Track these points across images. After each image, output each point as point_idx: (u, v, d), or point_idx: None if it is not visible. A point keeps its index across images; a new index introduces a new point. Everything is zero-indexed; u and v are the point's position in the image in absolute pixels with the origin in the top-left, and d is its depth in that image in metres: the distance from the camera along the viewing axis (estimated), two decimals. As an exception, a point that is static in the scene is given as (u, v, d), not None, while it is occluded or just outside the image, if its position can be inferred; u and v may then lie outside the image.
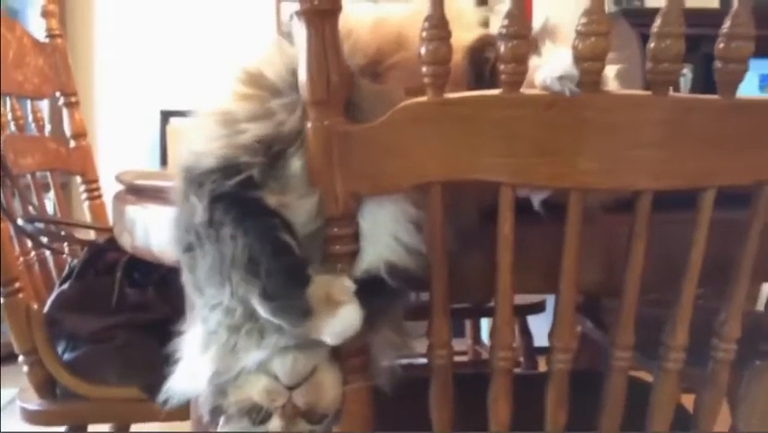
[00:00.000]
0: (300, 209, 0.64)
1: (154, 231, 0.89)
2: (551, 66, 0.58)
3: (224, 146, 0.64)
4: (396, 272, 0.63)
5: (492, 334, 0.65)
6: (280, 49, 0.68)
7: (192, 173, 0.65)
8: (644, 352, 0.70)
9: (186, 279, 0.68)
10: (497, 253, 0.62)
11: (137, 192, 1.02)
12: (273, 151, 0.64)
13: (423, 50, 0.59)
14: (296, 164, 0.64)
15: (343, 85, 0.62)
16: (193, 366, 0.67)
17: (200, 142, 0.66)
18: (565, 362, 0.64)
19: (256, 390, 0.63)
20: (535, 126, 0.59)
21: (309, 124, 0.62)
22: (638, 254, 0.61)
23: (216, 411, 0.66)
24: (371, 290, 0.63)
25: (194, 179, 0.65)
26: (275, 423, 0.63)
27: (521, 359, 1.92)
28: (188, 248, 0.65)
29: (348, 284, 0.62)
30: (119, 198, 1.04)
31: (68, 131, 1.56)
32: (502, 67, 0.58)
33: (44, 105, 1.58)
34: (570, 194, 0.60)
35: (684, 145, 0.60)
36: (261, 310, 0.62)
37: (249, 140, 0.64)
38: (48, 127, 1.57)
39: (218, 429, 0.67)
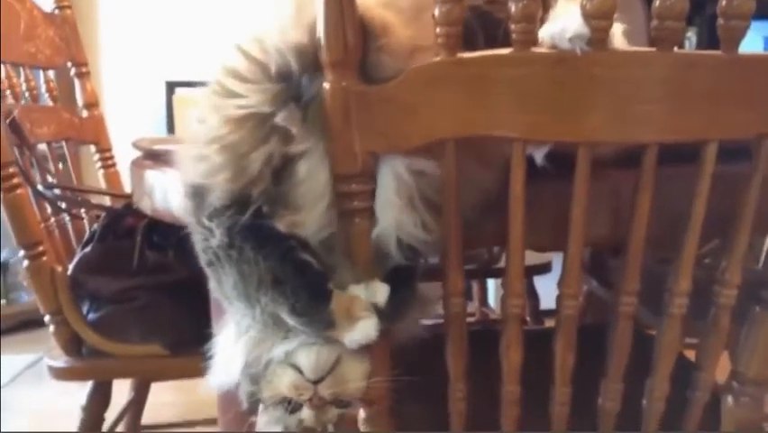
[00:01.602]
0: (311, 218, 0.67)
1: (173, 194, 0.92)
2: (558, 24, 0.60)
3: (231, 179, 0.65)
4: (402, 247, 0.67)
5: (504, 284, 0.68)
6: (253, 52, 0.67)
7: (203, 207, 0.67)
8: (651, 308, 0.74)
9: (213, 287, 0.72)
10: (508, 208, 0.65)
11: (154, 157, 1.05)
12: (277, 165, 0.66)
13: (436, 12, 0.61)
14: (302, 168, 0.66)
15: (359, 46, 0.64)
16: (227, 361, 0.71)
17: (206, 173, 0.66)
18: (573, 308, 0.68)
19: (284, 384, 0.67)
20: (545, 83, 0.62)
21: (327, 86, 0.64)
22: (644, 205, 0.64)
23: (254, 400, 0.70)
24: (395, 283, 0.67)
25: (206, 212, 0.67)
26: (306, 412, 0.67)
27: (528, 319, 1.97)
28: (209, 264, 0.69)
29: (366, 301, 0.66)
30: (137, 164, 1.08)
31: (80, 101, 1.59)
32: (513, 26, 0.60)
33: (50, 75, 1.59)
34: (578, 148, 0.63)
35: (688, 100, 0.62)
36: (290, 322, 0.66)
37: (256, 168, 0.65)
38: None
39: (258, 417, 0.71)
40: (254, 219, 0.65)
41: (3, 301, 2.94)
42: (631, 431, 0.76)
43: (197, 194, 0.68)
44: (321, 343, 0.66)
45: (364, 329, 0.65)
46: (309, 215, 0.67)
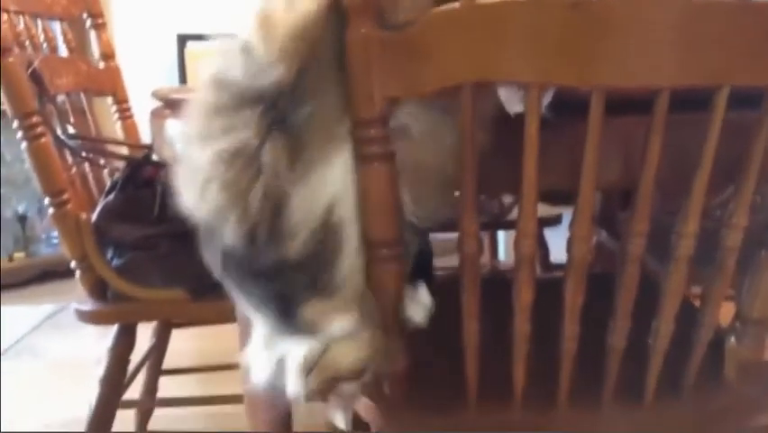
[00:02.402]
0: (301, 243, 0.68)
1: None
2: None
3: (239, 221, 0.67)
4: None
5: (517, 224, 0.71)
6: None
7: (215, 243, 0.71)
8: (658, 257, 0.76)
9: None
10: (522, 151, 0.67)
11: (174, 106, 1.07)
12: (274, 199, 0.67)
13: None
14: (295, 200, 0.67)
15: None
16: (252, 362, 0.76)
17: (213, 213, 0.68)
18: (583, 250, 0.70)
19: (290, 385, 0.70)
20: (560, 29, 0.63)
21: (348, 32, 0.66)
22: (655, 148, 0.66)
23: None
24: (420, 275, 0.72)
25: (218, 247, 0.71)
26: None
27: (537, 269, 1.99)
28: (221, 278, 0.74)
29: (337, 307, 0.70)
30: (156, 114, 1.10)
31: (96, 52, 1.60)
32: (529, -28, 0.62)
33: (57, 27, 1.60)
34: (591, 93, 0.65)
35: (700, 45, 0.63)
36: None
37: (256, 205, 0.66)
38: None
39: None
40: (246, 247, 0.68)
41: (22, 254, 3.00)
42: (636, 369, 0.79)
43: (208, 230, 0.71)
44: (307, 337, 0.70)
45: (339, 326, 0.69)
46: (300, 241, 0.68)
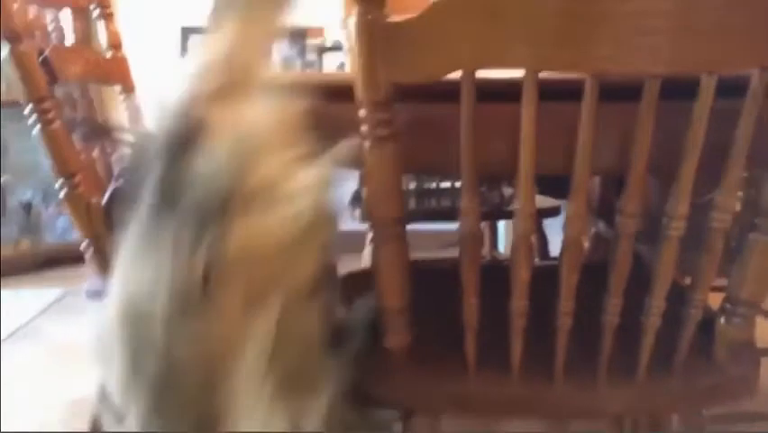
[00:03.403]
0: None
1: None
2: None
3: None
4: None
5: (516, 205, 0.74)
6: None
7: None
8: (651, 245, 0.79)
9: None
10: (521, 134, 0.71)
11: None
12: None
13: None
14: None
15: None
16: None
17: None
18: (578, 228, 0.74)
19: None
20: (557, 17, 0.66)
21: (354, 19, 0.69)
22: (646, 129, 0.69)
23: None
24: None
25: None
26: None
27: (536, 259, 2.02)
28: None
29: None
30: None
31: (104, 42, 1.63)
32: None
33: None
34: (586, 79, 0.68)
35: (693, 32, 0.66)
36: None
37: None
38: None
39: None
40: None
41: (27, 241, 3.04)
42: (630, 348, 0.82)
43: None
44: None
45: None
46: None
